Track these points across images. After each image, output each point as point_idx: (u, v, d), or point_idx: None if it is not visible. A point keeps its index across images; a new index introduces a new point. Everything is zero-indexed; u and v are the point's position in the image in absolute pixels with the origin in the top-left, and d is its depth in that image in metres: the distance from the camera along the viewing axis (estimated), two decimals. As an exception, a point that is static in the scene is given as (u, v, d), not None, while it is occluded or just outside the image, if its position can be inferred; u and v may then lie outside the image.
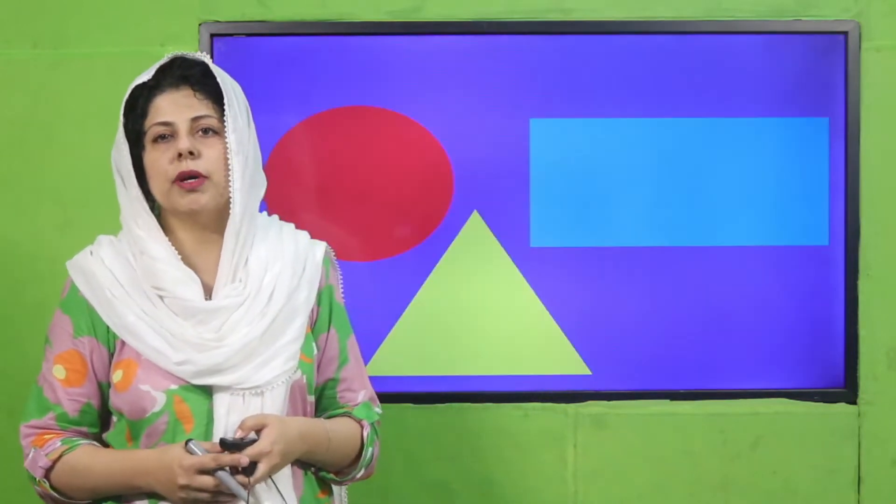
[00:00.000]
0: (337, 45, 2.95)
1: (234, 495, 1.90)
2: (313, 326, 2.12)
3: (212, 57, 2.90)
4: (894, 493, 2.99)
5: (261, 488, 1.95)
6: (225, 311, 2.00)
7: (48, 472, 1.99)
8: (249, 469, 1.88)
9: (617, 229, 2.98)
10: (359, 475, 2.15)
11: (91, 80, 2.92)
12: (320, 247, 2.15)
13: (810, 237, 2.99)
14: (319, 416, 2.14)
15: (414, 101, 2.96)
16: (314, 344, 2.11)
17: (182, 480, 1.88)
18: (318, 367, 2.13)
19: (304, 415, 2.08)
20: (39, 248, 2.91)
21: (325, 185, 2.97)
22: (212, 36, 2.92)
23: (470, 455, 2.96)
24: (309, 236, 2.16)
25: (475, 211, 2.97)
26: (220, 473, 1.87)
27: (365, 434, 2.15)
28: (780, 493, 3.00)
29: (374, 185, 2.97)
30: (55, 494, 2.01)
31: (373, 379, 2.96)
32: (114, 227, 2.15)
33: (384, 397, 2.93)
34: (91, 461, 1.99)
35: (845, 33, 2.95)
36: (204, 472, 1.88)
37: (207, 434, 1.98)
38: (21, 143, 2.93)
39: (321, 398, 2.16)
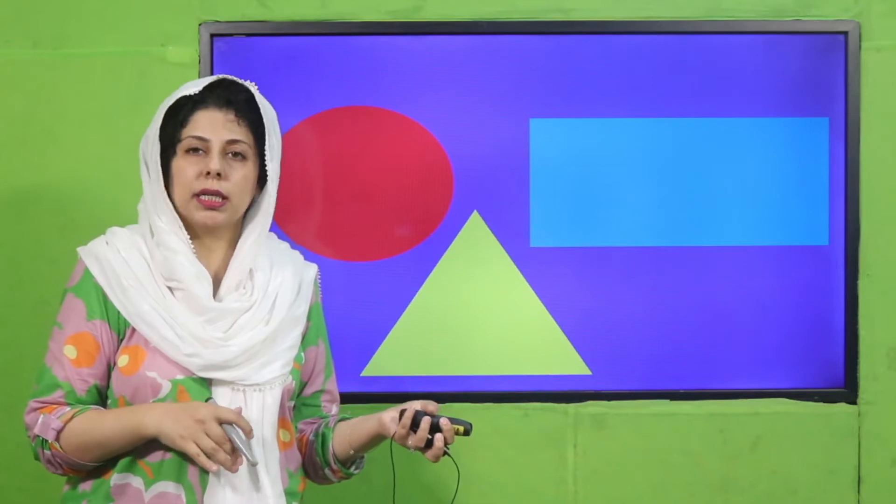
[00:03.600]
0: (337, 45, 2.95)
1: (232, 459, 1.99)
2: (303, 338, 2.23)
3: (211, 57, 2.91)
4: (894, 493, 2.99)
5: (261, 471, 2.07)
6: (233, 314, 2.10)
7: (59, 433, 2.04)
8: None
9: (617, 229, 2.98)
10: (356, 472, 2.29)
11: (91, 80, 2.92)
12: (312, 268, 2.29)
13: (810, 237, 2.99)
14: (299, 423, 2.29)
15: (414, 101, 2.96)
16: (303, 354, 2.23)
17: (201, 415, 1.96)
18: (309, 377, 2.27)
19: (286, 417, 2.19)
20: (39, 248, 2.91)
21: (326, 185, 2.96)
22: (212, 36, 2.92)
23: (470, 455, 2.95)
24: (302, 257, 2.29)
25: (475, 211, 2.97)
26: (229, 428, 1.96)
27: None
28: (780, 493, 3.00)
29: (374, 185, 2.97)
30: (65, 455, 2.05)
31: (373, 379, 2.98)
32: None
33: (384, 397, 2.94)
34: (100, 415, 2.05)
35: (845, 33, 2.95)
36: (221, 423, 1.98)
37: None
38: (21, 143, 2.93)
39: (307, 406, 2.29)
